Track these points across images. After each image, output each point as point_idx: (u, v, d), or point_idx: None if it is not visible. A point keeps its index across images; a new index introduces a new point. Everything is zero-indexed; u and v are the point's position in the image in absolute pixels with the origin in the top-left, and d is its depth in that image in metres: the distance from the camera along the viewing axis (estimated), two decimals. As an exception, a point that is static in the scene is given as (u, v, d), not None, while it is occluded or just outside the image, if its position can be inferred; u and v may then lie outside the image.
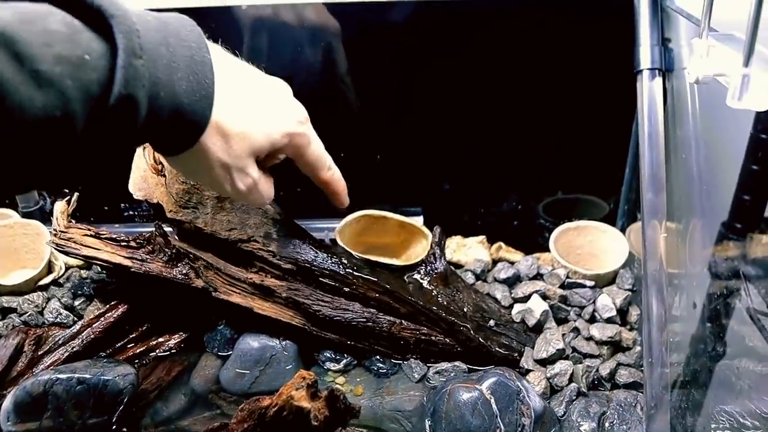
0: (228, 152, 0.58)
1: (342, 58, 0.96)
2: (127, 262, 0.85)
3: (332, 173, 0.72)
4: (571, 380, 0.83)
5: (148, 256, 0.85)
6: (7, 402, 0.76)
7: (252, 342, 0.86)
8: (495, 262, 1.03)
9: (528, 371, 0.84)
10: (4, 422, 0.76)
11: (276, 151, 0.64)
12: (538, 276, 0.98)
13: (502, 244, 1.06)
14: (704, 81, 0.59)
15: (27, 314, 0.91)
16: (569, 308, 0.91)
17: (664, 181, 0.78)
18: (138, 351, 0.89)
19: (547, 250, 0.99)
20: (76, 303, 0.94)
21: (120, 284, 0.93)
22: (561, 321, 0.91)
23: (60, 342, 0.86)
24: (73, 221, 0.87)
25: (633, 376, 0.83)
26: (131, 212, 1.08)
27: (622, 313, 0.90)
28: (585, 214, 1.05)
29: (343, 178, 0.72)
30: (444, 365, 0.85)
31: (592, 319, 0.90)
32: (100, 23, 0.44)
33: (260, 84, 0.62)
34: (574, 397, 0.81)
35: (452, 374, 0.84)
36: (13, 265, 1.01)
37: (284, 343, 0.86)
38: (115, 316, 0.88)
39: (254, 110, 0.59)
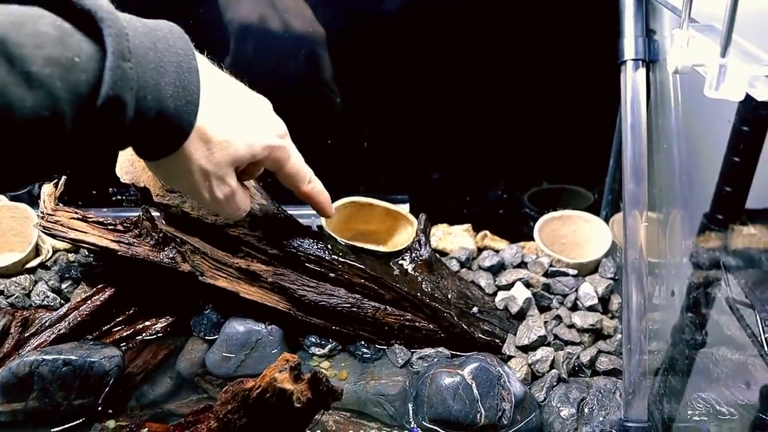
0: (209, 159, 0.59)
1: (327, 46, 0.97)
2: (114, 246, 0.85)
3: (312, 186, 0.73)
4: (552, 367, 0.84)
5: (135, 240, 0.86)
6: (-7, 382, 0.77)
7: (238, 326, 0.87)
8: (480, 250, 1.04)
9: (510, 357, 0.85)
10: (-11, 402, 0.76)
11: (255, 163, 0.65)
12: (522, 264, 0.99)
13: (488, 232, 1.07)
14: (683, 71, 0.60)
15: (14, 296, 0.92)
16: (552, 296, 0.92)
17: (646, 172, 0.79)
18: (125, 334, 0.90)
19: (532, 239, 1.00)
20: (63, 286, 0.95)
21: (107, 268, 0.93)
22: (544, 309, 0.92)
23: (47, 324, 0.87)
24: (61, 204, 0.88)
25: (613, 363, 0.84)
26: (119, 197, 1.08)
27: (604, 301, 0.92)
28: (570, 204, 1.06)
29: (326, 190, 0.74)
30: (427, 351, 0.86)
31: (574, 307, 0.91)
32: (89, 26, 0.45)
33: (243, 97, 0.64)
34: (554, 383, 0.82)
35: (435, 360, 0.85)
36: (0, 248, 1.01)
37: (270, 327, 0.87)
38: (102, 299, 0.89)
39: (237, 121, 0.60)
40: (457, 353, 0.86)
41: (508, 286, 0.94)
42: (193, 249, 0.85)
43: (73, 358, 0.78)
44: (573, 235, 1.03)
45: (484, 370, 0.77)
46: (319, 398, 0.69)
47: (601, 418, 0.77)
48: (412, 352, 0.87)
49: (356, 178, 0.93)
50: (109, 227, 0.87)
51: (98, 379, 0.79)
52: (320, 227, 0.90)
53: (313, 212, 0.81)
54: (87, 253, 0.98)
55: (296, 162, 0.70)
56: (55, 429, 0.77)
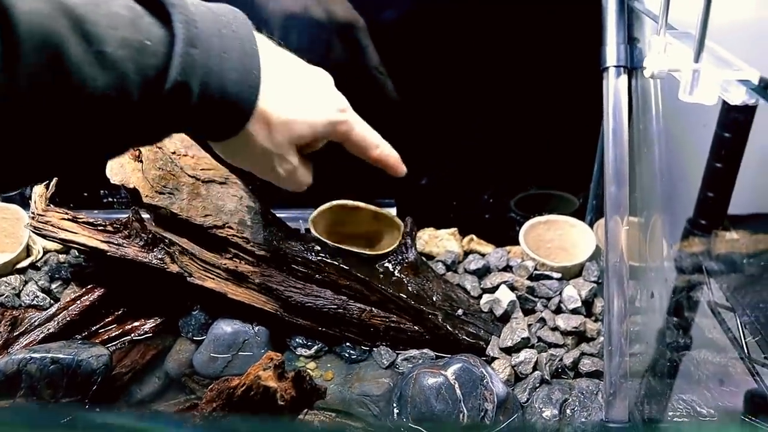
0: (270, 140, 0.60)
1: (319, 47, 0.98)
2: (103, 246, 0.86)
3: (381, 150, 0.73)
4: (535, 368, 0.85)
5: (124, 241, 0.87)
6: (-19, 380, 0.78)
7: (225, 327, 0.87)
8: (466, 253, 1.05)
9: (494, 359, 0.86)
10: (-23, 399, 0.77)
11: (317, 139, 0.66)
12: (508, 268, 1.00)
13: (474, 236, 1.08)
14: (659, 76, 0.61)
15: (4, 296, 0.93)
16: (536, 299, 0.93)
17: (627, 176, 0.80)
18: (114, 334, 0.91)
19: (518, 243, 1.01)
20: (53, 286, 0.96)
21: (97, 268, 0.94)
22: (528, 311, 0.93)
23: (36, 323, 0.88)
24: (51, 205, 0.89)
25: (596, 365, 0.85)
26: (110, 199, 1.09)
27: (588, 304, 0.93)
28: (556, 209, 1.07)
29: (394, 150, 0.74)
30: (413, 352, 0.87)
31: (558, 310, 0.92)
32: (159, 10, 0.47)
33: (303, 74, 0.64)
34: (537, 385, 0.83)
35: (420, 361, 0.86)
36: (-9, 248, 1.02)
37: (257, 328, 0.88)
38: (91, 299, 0.90)
39: (297, 100, 0.61)
40: (442, 354, 0.87)
41: (493, 289, 0.95)
42: (182, 250, 0.86)
43: (61, 356, 0.79)
44: (558, 239, 1.04)
45: (467, 370, 0.78)
46: (303, 396, 0.71)
47: (582, 419, 0.78)
48: (398, 354, 0.88)
49: (344, 182, 0.94)
50: (99, 228, 0.88)
51: (86, 377, 0.79)
52: (308, 230, 0.91)
53: (301, 215, 0.82)
54: (77, 253, 0.98)
55: (360, 131, 0.69)
56: (43, 427, 0.78)
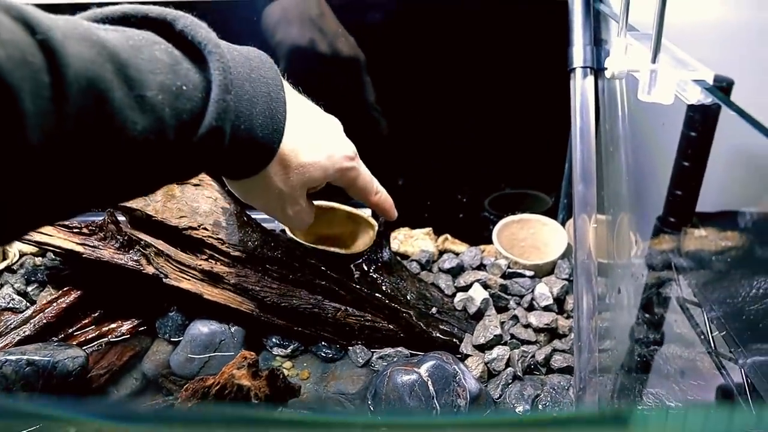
0: (286, 182, 0.62)
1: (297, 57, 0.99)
2: (79, 249, 0.87)
3: (379, 196, 0.78)
4: (507, 365, 0.86)
5: (100, 243, 0.87)
6: (-44, 383, 0.78)
7: (202, 327, 0.88)
8: (441, 253, 1.06)
9: (467, 356, 0.88)
10: (-48, 402, 0.77)
11: (326, 182, 0.69)
12: (481, 266, 1.01)
13: (449, 236, 1.09)
14: (619, 76, 0.63)
15: (-20, 300, 0.93)
16: (509, 297, 0.95)
17: (594, 175, 0.81)
18: (91, 336, 0.91)
19: (492, 242, 1.03)
20: (29, 289, 0.96)
21: (73, 271, 0.95)
22: (501, 309, 0.94)
23: (12, 326, 0.88)
24: (27, 208, 0.89)
25: (567, 361, 0.86)
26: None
27: (559, 301, 0.94)
28: (530, 209, 1.09)
29: (389, 196, 0.80)
30: (387, 350, 0.88)
31: (531, 307, 0.94)
32: (197, 56, 0.48)
33: (319, 121, 0.67)
34: (510, 381, 0.84)
35: (395, 359, 0.87)
36: (-33, 252, 1.02)
37: (233, 328, 0.88)
38: (67, 301, 0.90)
39: (314, 147, 0.64)
40: (416, 352, 0.88)
41: (467, 288, 0.96)
42: (158, 251, 0.87)
43: (37, 358, 0.79)
44: (531, 238, 1.06)
45: (440, 368, 0.79)
46: (277, 394, 0.72)
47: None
48: (373, 352, 0.89)
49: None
50: (75, 230, 0.88)
51: (62, 379, 0.80)
52: (283, 230, 0.92)
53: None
54: (53, 256, 0.99)
55: (365, 178, 0.74)
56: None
